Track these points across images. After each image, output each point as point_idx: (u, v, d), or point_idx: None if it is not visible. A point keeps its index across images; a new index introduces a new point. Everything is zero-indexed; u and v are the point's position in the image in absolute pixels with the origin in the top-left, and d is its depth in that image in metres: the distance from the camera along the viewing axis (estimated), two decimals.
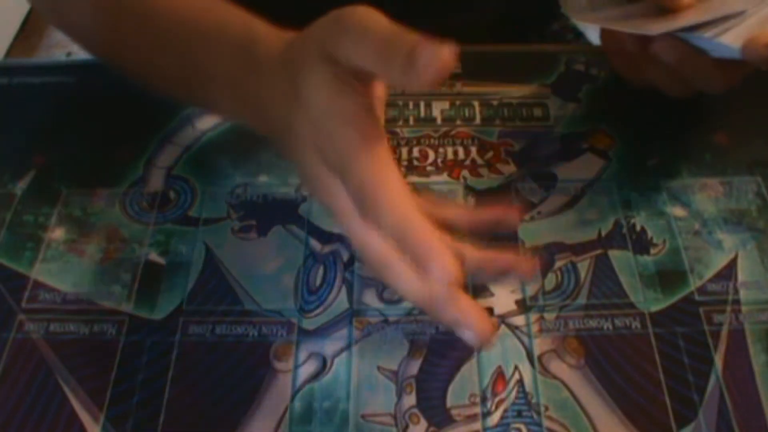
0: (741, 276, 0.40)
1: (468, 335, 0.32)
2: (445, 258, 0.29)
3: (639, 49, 0.40)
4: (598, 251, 0.41)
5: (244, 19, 0.39)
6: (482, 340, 0.32)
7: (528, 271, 0.35)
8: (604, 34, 0.42)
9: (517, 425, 0.34)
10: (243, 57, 0.36)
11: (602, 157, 0.46)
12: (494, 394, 0.35)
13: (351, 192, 0.31)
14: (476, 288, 0.39)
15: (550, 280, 0.40)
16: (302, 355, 0.37)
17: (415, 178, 0.45)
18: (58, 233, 0.42)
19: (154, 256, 0.41)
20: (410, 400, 0.35)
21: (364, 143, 0.30)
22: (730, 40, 0.37)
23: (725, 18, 0.38)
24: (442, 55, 0.28)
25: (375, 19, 0.30)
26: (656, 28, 0.38)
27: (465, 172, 0.45)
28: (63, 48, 1.66)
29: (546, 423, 0.34)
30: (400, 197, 0.30)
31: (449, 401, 0.35)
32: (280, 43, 0.36)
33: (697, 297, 0.39)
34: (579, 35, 0.66)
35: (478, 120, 0.48)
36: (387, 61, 0.29)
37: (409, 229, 0.29)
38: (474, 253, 0.34)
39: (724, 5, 0.39)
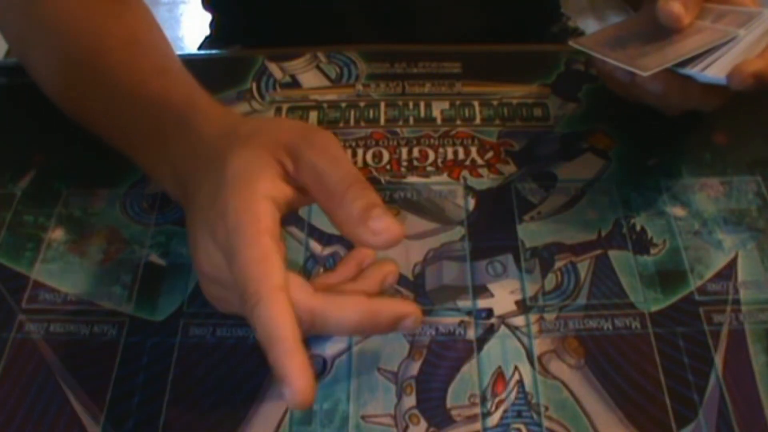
0: (741, 276, 0.40)
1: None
2: (295, 387, 0.27)
3: (629, 79, 0.40)
4: (598, 251, 0.41)
5: (187, 88, 0.40)
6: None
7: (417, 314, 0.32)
8: (596, 59, 0.42)
9: (517, 425, 0.34)
10: (180, 122, 0.37)
11: (602, 157, 0.46)
12: (494, 395, 0.35)
13: (234, 281, 0.30)
14: (475, 289, 0.39)
15: (550, 281, 0.40)
16: None
17: (415, 178, 0.45)
18: (58, 233, 0.42)
19: (155, 258, 0.41)
20: (410, 401, 0.35)
21: (254, 235, 0.30)
22: (716, 72, 0.37)
23: (715, 48, 0.38)
24: (395, 228, 0.30)
25: (340, 156, 0.32)
26: (647, 63, 0.38)
27: (465, 172, 0.45)
28: None
29: (546, 423, 0.34)
30: (276, 307, 0.28)
31: (449, 402, 0.35)
32: (220, 114, 0.37)
33: (697, 297, 0.39)
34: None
35: (478, 120, 0.48)
36: (340, 210, 0.31)
37: (271, 349, 0.28)
38: (359, 305, 0.31)
39: (716, 32, 0.39)
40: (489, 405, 0.35)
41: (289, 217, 0.43)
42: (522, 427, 0.34)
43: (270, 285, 0.29)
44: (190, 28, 1.74)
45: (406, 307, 0.32)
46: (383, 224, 0.30)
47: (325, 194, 0.32)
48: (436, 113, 0.49)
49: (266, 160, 0.32)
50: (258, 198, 0.30)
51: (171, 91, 0.39)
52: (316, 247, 0.41)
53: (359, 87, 0.51)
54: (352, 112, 0.49)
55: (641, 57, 0.39)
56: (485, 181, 0.45)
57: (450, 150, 0.46)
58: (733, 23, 0.39)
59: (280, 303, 0.28)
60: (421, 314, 0.32)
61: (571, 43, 0.43)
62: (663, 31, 0.40)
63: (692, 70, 0.38)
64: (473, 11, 0.62)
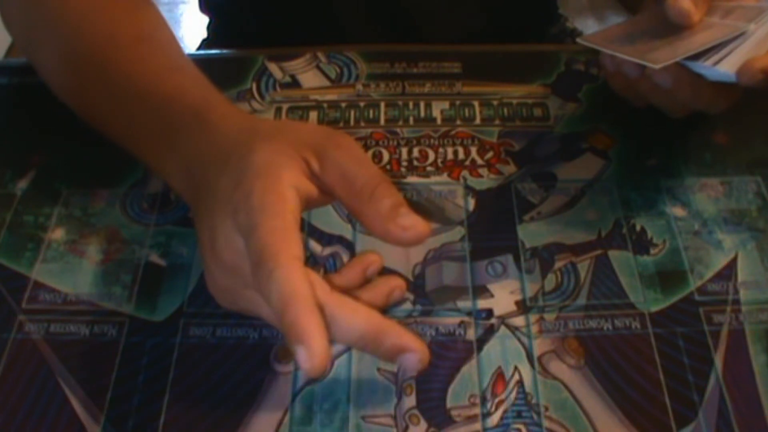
0: (741, 276, 0.40)
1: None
2: (312, 346, 0.27)
3: (637, 74, 0.40)
4: (598, 251, 0.41)
5: (202, 86, 0.40)
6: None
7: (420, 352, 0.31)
8: (604, 55, 0.42)
9: (517, 426, 0.34)
10: (196, 118, 0.37)
11: (602, 157, 0.46)
12: (494, 395, 0.35)
13: (250, 252, 0.30)
14: (475, 289, 0.39)
15: (550, 281, 0.40)
16: None
17: (415, 178, 0.45)
18: (58, 234, 0.42)
19: (155, 258, 0.41)
20: (410, 401, 0.35)
21: (277, 212, 0.30)
22: (726, 68, 0.37)
23: (725, 43, 0.38)
24: (422, 225, 0.32)
25: (365, 157, 0.34)
26: (658, 57, 0.38)
27: (465, 172, 0.45)
28: None
29: (546, 423, 0.34)
30: (295, 272, 0.29)
31: (449, 402, 0.35)
32: (236, 112, 0.38)
33: (697, 297, 0.39)
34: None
35: (478, 120, 0.48)
36: (368, 207, 0.32)
37: (289, 308, 0.28)
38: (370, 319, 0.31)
39: (725, 28, 0.39)
40: (489, 405, 0.35)
41: None
42: (522, 427, 0.34)
43: (290, 254, 0.29)
44: (190, 28, 1.74)
45: (414, 344, 0.31)
46: (411, 221, 0.32)
47: (352, 193, 0.33)
48: (436, 113, 0.49)
49: (292, 155, 0.33)
50: (284, 184, 0.31)
51: (186, 89, 0.39)
52: (316, 247, 0.41)
53: (359, 87, 0.51)
54: (352, 112, 0.49)
55: (651, 51, 0.39)
56: (485, 181, 0.45)
57: (450, 150, 0.46)
58: (742, 18, 0.39)
59: (299, 269, 0.29)
60: (428, 357, 0.31)
61: (579, 40, 0.43)
62: (672, 28, 0.40)
63: (703, 65, 0.38)
64: (473, 12, 0.62)
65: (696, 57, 0.38)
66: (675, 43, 0.39)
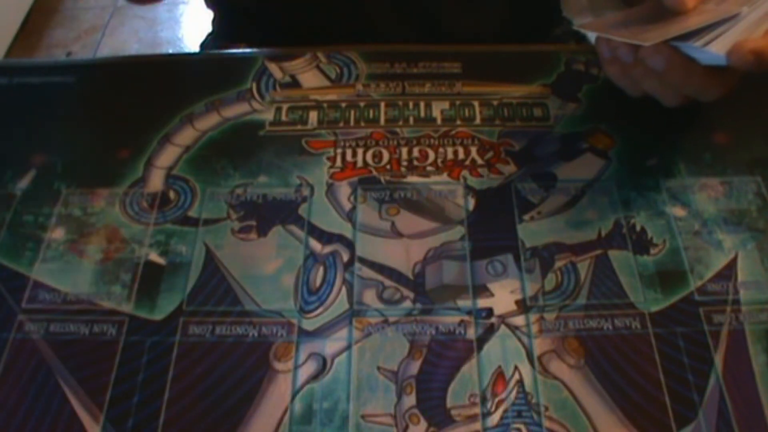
0: (741, 276, 0.40)
1: None
2: None
3: (631, 58, 0.40)
4: (598, 251, 0.41)
5: None
6: None
7: None
8: (599, 42, 0.42)
9: (517, 425, 0.34)
10: None
11: (602, 157, 0.46)
12: (494, 395, 0.35)
13: None
14: (475, 288, 0.39)
15: (550, 280, 0.40)
16: (302, 356, 0.37)
17: (415, 178, 0.45)
18: (58, 233, 0.42)
19: (154, 257, 0.41)
20: (410, 400, 0.35)
21: None
22: (717, 49, 0.37)
23: (718, 24, 0.38)
24: None
25: None
26: (650, 37, 0.38)
27: (465, 172, 0.45)
28: (63, 48, 1.66)
29: (546, 423, 0.34)
30: None
31: (449, 401, 0.35)
32: None
33: (697, 297, 0.39)
34: (581, 41, 0.66)
35: (478, 120, 0.48)
36: None
37: None
38: None
39: (719, 11, 0.39)
40: (489, 405, 0.35)
41: (289, 216, 0.43)
42: (522, 427, 0.34)
43: None
44: (190, 28, 1.74)
45: None
46: None
47: None
48: (436, 113, 0.49)
49: None
50: None
51: None
52: (315, 245, 0.41)
53: (359, 87, 0.51)
54: (352, 112, 0.49)
55: (644, 33, 0.39)
56: (485, 181, 0.45)
57: (450, 150, 0.46)
58: (737, 3, 0.39)
59: None
60: None
61: (575, 26, 0.43)
62: (667, 15, 0.40)
63: (693, 45, 0.38)
64: (492, 13, 0.62)
65: (687, 38, 0.38)
66: (668, 24, 0.39)
